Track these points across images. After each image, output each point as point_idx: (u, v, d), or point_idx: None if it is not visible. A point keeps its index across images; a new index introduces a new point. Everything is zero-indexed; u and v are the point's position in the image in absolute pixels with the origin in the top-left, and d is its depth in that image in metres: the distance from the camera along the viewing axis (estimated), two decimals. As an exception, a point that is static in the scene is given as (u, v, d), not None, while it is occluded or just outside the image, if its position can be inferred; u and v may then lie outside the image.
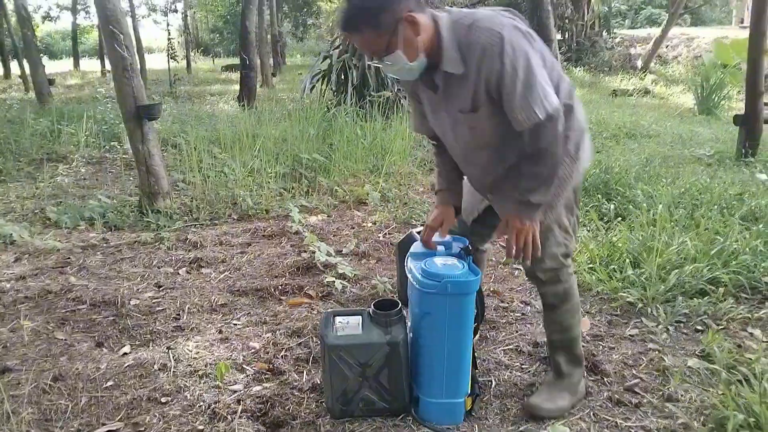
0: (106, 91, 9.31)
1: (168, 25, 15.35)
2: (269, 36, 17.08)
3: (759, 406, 1.84)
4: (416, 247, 2.12)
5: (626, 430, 1.91)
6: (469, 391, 1.99)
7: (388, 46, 1.70)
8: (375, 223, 4.17)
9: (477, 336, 2.05)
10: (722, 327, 2.54)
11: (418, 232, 2.87)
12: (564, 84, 1.80)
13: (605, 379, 2.19)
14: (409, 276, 1.96)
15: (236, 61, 11.61)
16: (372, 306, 1.99)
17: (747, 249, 3.10)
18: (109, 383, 2.21)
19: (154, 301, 2.93)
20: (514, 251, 1.87)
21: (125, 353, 2.44)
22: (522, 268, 1.94)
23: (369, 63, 1.98)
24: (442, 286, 1.82)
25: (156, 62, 20.21)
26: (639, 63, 14.70)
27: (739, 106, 8.18)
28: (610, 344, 2.45)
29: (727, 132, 7.26)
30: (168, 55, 13.60)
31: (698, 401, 2.03)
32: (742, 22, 19.75)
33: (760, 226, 3.44)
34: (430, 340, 1.92)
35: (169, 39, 14.16)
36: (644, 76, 13.90)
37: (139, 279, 3.21)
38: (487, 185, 1.98)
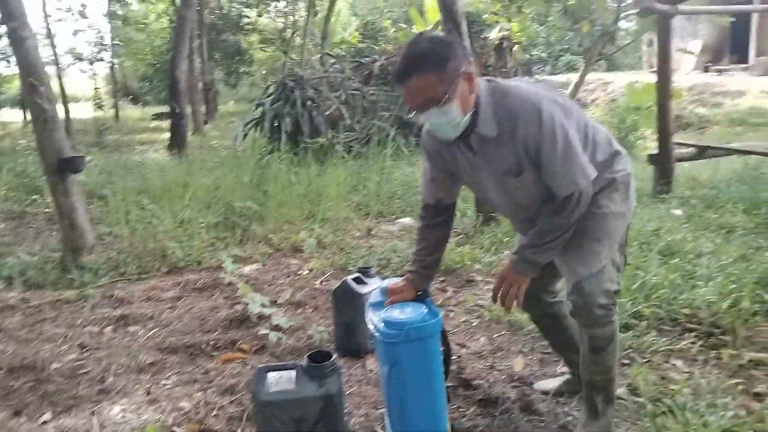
0: (27, 143, 8.96)
1: (94, 74, 15.02)
2: (200, 84, 16.98)
3: (683, 437, 1.91)
4: (375, 297, 2.11)
5: (561, 469, 1.94)
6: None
7: (444, 95, 1.72)
8: (311, 271, 4.13)
9: (448, 378, 2.04)
10: (647, 360, 2.64)
11: (354, 279, 2.89)
12: (601, 135, 1.94)
13: (539, 419, 2.23)
14: (371, 328, 1.95)
15: (167, 108, 11.47)
16: (306, 358, 1.97)
17: (666, 282, 3.27)
18: (26, 457, 2.06)
19: (77, 363, 2.78)
20: (498, 295, 2.00)
21: (45, 421, 2.31)
22: (573, 307, 1.93)
23: (410, 117, 1.97)
24: (405, 333, 1.81)
25: (83, 111, 19.64)
26: (561, 106, 15.45)
27: (653, 146, 8.71)
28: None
29: (643, 171, 7.67)
30: (94, 104, 13.27)
31: (628, 435, 2.10)
32: (651, 67, 21.26)
33: (677, 259, 3.65)
34: (402, 389, 1.89)
35: (95, 88, 13.84)
36: (566, 118, 14.62)
37: (61, 340, 3.04)
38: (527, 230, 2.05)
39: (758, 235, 4.40)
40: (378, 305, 2.05)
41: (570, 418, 2.22)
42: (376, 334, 1.90)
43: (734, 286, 3.19)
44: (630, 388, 2.39)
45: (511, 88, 1.81)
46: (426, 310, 1.92)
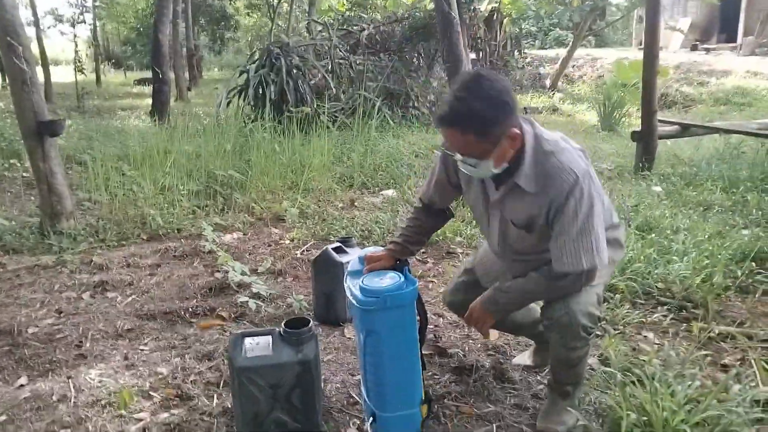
0: (5, 106, 8.77)
1: (75, 36, 14.65)
2: (184, 49, 16.67)
3: (650, 405, 1.96)
4: (354, 265, 2.13)
5: (531, 436, 1.99)
6: (423, 398, 2.01)
7: (482, 153, 1.72)
8: (293, 240, 4.13)
9: (424, 346, 2.08)
10: (619, 331, 2.69)
11: (334, 249, 2.90)
12: (606, 206, 1.93)
13: (512, 386, 2.27)
14: (348, 296, 1.97)
15: (150, 74, 11.24)
16: (283, 325, 1.98)
17: (642, 257, 3.32)
18: (2, 418, 2.07)
19: (54, 328, 2.77)
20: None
21: (21, 385, 2.30)
22: (556, 325, 1.88)
23: (444, 152, 1.93)
24: (382, 301, 1.84)
25: (63, 75, 19.24)
26: (548, 82, 15.44)
27: (637, 123, 8.74)
28: (518, 352, 2.55)
29: (626, 147, 7.74)
30: (75, 68, 12.97)
31: (597, 403, 2.15)
32: (640, 45, 21.21)
33: (653, 235, 3.70)
34: (378, 356, 1.92)
35: (76, 51, 13.51)
36: (553, 94, 14.62)
37: (38, 305, 3.03)
38: (513, 270, 2.03)
39: (734, 212, 4.47)
40: (356, 274, 2.07)
41: (542, 387, 2.27)
42: (353, 302, 1.92)
43: (708, 261, 3.25)
44: (601, 358, 2.45)
45: (555, 150, 1.77)
46: (403, 279, 1.94)
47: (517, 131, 1.73)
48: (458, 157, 1.78)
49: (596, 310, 1.91)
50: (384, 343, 1.90)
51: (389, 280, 1.93)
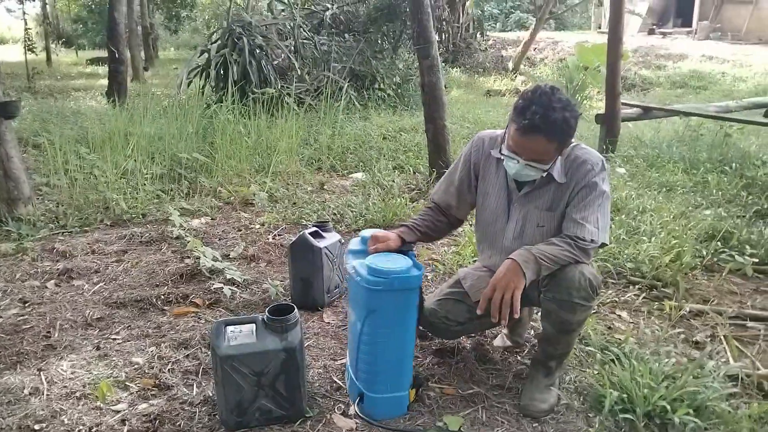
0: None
1: (24, 13, 13.96)
2: (140, 27, 16.12)
3: (629, 383, 2.01)
4: (354, 244, 2.12)
5: (514, 415, 2.01)
6: (413, 383, 2.02)
7: (551, 158, 1.91)
8: (263, 225, 4.06)
9: (419, 328, 2.08)
10: (595, 311, 2.74)
11: (311, 233, 2.85)
12: None
13: (494, 367, 2.29)
14: (351, 273, 1.95)
15: (103, 53, 10.80)
16: (266, 312, 1.94)
17: (612, 238, 3.38)
18: (-31, 414, 1.97)
19: (19, 318, 2.65)
20: (493, 307, 1.87)
21: (-12, 379, 2.19)
22: (565, 285, 1.91)
23: (505, 155, 1.99)
24: (389, 282, 1.83)
25: (10, 54, 18.39)
26: (510, 64, 15.53)
27: (599, 106, 8.88)
28: (496, 334, 2.57)
29: (589, 130, 7.86)
30: (25, 47, 12.38)
31: (577, 382, 2.19)
32: (600, 28, 21.53)
33: (623, 216, 3.77)
34: (375, 337, 1.91)
35: (26, 29, 12.89)
36: (515, 77, 14.72)
37: (0, 295, 2.89)
38: None
39: (696, 193, 4.60)
40: (358, 253, 2.05)
41: (523, 367, 2.30)
42: (358, 279, 1.89)
43: (675, 241, 3.33)
44: (579, 337, 2.48)
45: (577, 144, 2.02)
46: (410, 263, 1.93)
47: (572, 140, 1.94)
48: (515, 163, 1.91)
49: (598, 278, 1.97)
50: (384, 324, 1.90)
51: (398, 262, 1.92)
